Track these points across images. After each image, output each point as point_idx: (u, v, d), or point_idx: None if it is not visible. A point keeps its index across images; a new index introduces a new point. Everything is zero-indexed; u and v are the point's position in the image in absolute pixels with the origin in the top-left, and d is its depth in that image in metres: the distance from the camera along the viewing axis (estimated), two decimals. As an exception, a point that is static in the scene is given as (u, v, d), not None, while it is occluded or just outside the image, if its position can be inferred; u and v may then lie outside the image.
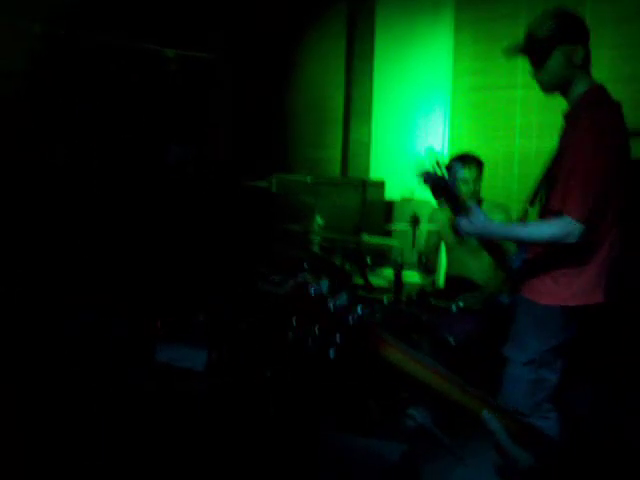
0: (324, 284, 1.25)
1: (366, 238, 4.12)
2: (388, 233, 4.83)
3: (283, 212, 4.96)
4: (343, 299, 1.26)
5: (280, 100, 5.87)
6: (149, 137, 5.14)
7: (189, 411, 2.92)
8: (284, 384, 3.58)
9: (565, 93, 2.56)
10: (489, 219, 2.55)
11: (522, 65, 4.60)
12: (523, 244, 2.65)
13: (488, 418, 1.32)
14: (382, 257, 4.58)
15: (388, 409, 3.65)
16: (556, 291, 2.53)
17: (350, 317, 1.25)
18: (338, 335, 1.25)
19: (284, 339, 3.69)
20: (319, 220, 4.29)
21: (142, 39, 5.03)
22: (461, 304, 3.83)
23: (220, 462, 2.69)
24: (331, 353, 1.23)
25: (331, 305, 1.25)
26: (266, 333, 3.86)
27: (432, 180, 2.71)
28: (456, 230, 2.63)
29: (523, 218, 2.71)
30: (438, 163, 2.70)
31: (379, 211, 5.08)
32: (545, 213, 2.57)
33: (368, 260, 4.10)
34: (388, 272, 4.02)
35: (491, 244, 2.83)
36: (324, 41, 5.70)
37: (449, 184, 2.71)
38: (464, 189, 4.04)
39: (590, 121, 2.39)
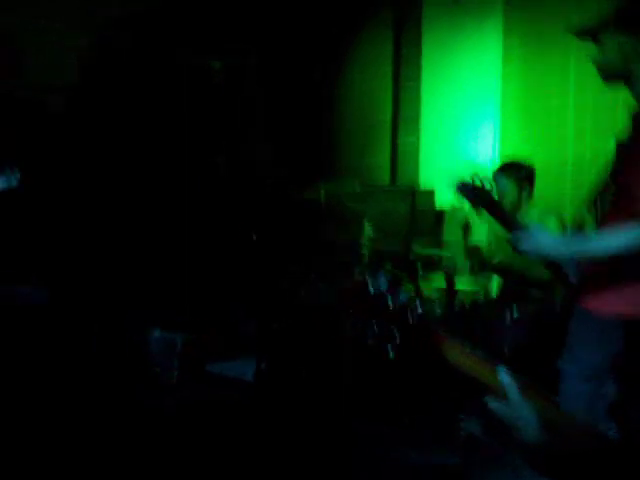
0: (383, 281, 1.20)
1: (417, 249, 4.07)
2: (439, 241, 4.75)
3: (332, 221, 4.92)
4: (403, 296, 1.20)
5: (327, 107, 5.85)
6: (199, 149, 5.20)
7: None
8: (328, 392, 3.53)
9: (629, 85, 2.44)
10: (550, 236, 2.36)
11: (575, 68, 4.50)
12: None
13: (501, 372, 1.24)
14: (433, 265, 4.50)
15: (438, 420, 3.57)
16: (617, 300, 2.34)
17: (410, 315, 1.20)
18: (397, 333, 1.19)
19: (332, 346, 3.65)
20: (368, 228, 4.23)
21: (187, 50, 5.09)
22: (515, 314, 3.73)
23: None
24: (390, 351, 1.18)
25: (390, 302, 1.20)
26: (312, 342, 3.82)
27: (468, 191, 2.58)
28: (514, 247, 2.49)
29: (580, 224, 2.58)
30: (478, 176, 2.59)
31: (429, 219, 5.00)
32: (609, 219, 2.42)
33: (419, 268, 4.03)
34: (439, 280, 3.95)
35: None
36: (371, 47, 5.67)
37: (492, 198, 2.58)
38: (506, 200, 3.98)
39: None
